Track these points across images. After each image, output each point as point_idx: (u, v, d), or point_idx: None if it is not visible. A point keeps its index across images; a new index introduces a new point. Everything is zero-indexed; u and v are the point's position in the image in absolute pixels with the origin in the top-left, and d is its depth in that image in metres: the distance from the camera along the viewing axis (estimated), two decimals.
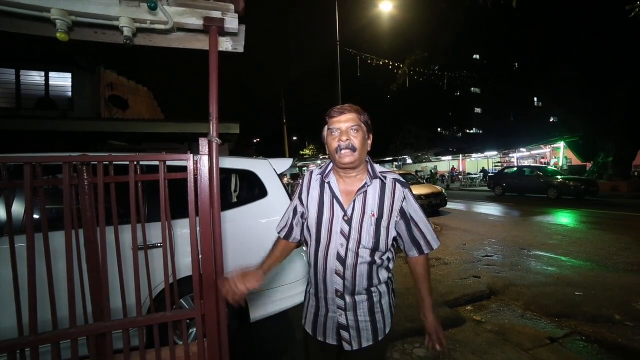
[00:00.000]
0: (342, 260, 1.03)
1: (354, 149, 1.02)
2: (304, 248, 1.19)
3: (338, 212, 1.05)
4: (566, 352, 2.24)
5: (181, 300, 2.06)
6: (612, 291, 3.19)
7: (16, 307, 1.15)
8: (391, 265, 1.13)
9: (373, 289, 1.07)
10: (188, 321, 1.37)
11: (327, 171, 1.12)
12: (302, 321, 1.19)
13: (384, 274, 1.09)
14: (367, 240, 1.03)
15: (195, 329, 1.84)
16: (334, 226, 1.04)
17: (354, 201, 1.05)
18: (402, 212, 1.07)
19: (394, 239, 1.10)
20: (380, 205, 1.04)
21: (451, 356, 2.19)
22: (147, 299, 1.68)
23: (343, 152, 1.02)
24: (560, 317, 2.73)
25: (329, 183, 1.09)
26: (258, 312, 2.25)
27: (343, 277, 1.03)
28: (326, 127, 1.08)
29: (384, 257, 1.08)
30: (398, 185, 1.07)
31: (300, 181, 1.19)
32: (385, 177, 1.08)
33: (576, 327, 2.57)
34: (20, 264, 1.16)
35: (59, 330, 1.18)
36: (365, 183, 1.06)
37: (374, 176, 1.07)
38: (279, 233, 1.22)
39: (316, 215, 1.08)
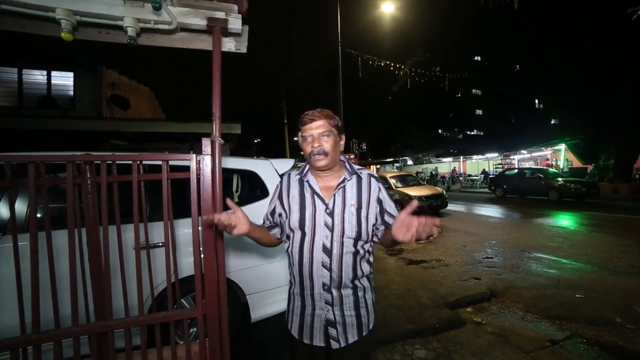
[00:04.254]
0: (327, 251, 1.07)
1: (325, 154, 1.09)
2: (285, 246, 1.19)
3: (320, 206, 1.10)
4: (567, 354, 2.23)
5: (182, 299, 2.07)
6: (613, 294, 3.19)
7: (19, 305, 1.16)
8: (371, 259, 1.18)
9: (357, 282, 1.11)
10: (189, 321, 1.37)
11: (305, 171, 1.18)
12: (287, 325, 1.18)
13: (366, 267, 1.14)
14: (350, 230, 1.08)
15: (196, 329, 1.84)
16: (317, 219, 1.09)
17: (334, 195, 1.11)
18: (380, 203, 1.14)
19: (373, 227, 1.14)
20: (358, 197, 1.12)
21: (451, 357, 2.19)
22: (148, 298, 1.68)
23: (316, 156, 1.09)
24: (561, 320, 2.72)
25: (307, 181, 1.15)
26: (258, 313, 2.26)
27: (330, 269, 1.07)
28: (299, 134, 1.13)
29: (366, 247, 1.13)
30: (373, 180, 1.16)
31: (278, 184, 1.23)
32: (361, 173, 1.17)
33: (577, 329, 2.56)
34: (22, 262, 1.16)
35: (61, 328, 1.19)
36: (345, 178, 1.13)
37: (352, 172, 1.15)
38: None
39: (298, 211, 1.12)
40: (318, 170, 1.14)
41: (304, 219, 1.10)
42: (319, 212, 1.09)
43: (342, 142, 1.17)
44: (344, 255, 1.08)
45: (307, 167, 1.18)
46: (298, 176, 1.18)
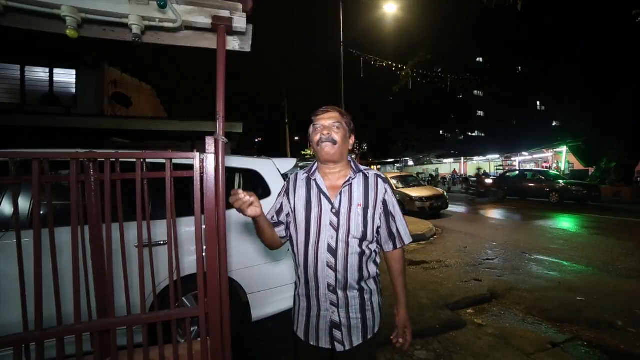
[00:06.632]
0: (333, 251, 1.06)
1: (334, 142, 1.10)
2: (289, 248, 1.19)
3: (326, 206, 1.09)
4: (567, 357, 2.23)
5: (183, 298, 2.07)
6: (614, 297, 3.18)
7: (21, 302, 1.16)
8: (378, 260, 1.17)
9: (364, 284, 1.10)
10: (191, 319, 1.37)
11: (312, 170, 1.17)
12: (293, 327, 1.18)
13: (372, 268, 1.13)
14: (356, 229, 1.07)
15: (197, 327, 1.84)
16: (323, 219, 1.08)
17: (340, 193, 1.10)
18: (384, 204, 1.12)
19: (377, 230, 1.14)
20: (365, 197, 1.10)
21: (452, 359, 2.19)
22: (150, 296, 1.68)
23: (323, 143, 1.10)
24: (562, 322, 2.72)
25: (315, 180, 1.14)
26: (259, 312, 2.26)
27: (335, 270, 1.06)
28: (311, 125, 1.15)
29: (372, 248, 1.12)
30: (380, 180, 1.15)
31: (286, 182, 1.23)
32: (368, 173, 1.16)
33: (578, 332, 2.56)
34: (25, 259, 1.16)
35: (63, 326, 1.19)
36: (350, 177, 1.12)
37: (357, 170, 1.15)
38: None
39: (304, 211, 1.11)
40: (325, 161, 1.13)
41: (310, 218, 1.09)
42: (324, 211, 1.08)
43: (351, 141, 1.18)
44: (350, 255, 1.06)
45: (315, 166, 1.18)
46: (305, 175, 1.18)
